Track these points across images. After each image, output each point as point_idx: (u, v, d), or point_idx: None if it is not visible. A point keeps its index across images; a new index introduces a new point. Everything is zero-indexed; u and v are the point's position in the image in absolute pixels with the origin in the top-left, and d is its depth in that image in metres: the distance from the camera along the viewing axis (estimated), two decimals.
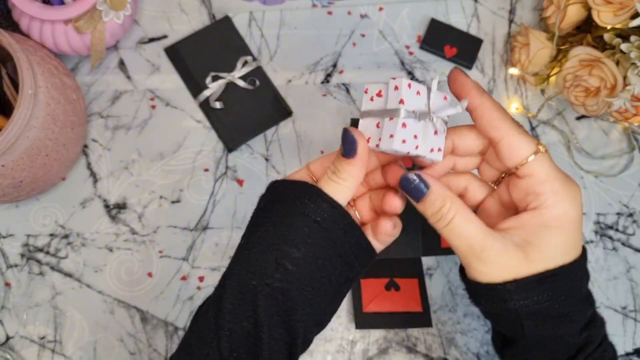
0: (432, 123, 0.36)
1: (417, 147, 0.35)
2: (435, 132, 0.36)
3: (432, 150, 0.36)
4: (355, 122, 0.60)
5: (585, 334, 0.38)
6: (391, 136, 0.35)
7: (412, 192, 0.36)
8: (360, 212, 0.41)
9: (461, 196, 0.40)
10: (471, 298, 0.39)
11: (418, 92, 0.36)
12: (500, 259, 0.35)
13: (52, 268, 0.58)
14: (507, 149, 0.36)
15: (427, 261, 0.59)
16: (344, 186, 0.37)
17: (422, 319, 0.57)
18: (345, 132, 0.37)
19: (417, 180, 0.36)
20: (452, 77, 0.37)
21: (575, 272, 0.37)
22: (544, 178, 0.35)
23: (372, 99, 0.37)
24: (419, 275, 0.58)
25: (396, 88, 0.35)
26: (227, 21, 0.63)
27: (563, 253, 0.36)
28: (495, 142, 0.36)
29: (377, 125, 0.36)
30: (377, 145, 0.36)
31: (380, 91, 0.37)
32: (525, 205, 0.37)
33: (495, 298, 0.37)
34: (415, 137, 0.35)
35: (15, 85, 0.55)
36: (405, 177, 0.36)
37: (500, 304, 0.36)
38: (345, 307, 0.57)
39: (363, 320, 0.56)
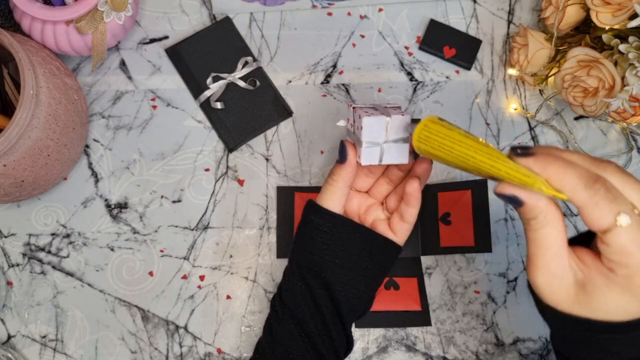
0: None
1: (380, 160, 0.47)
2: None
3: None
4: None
5: None
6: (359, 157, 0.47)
7: (510, 203, 0.36)
8: (390, 206, 0.51)
9: None
10: (529, 287, 0.40)
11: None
12: (549, 284, 0.36)
13: (54, 267, 0.58)
14: (585, 217, 0.34)
15: (426, 260, 0.59)
16: (336, 187, 0.48)
17: (421, 317, 0.57)
18: (341, 143, 0.48)
19: (514, 196, 0.36)
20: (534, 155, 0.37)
21: (625, 332, 0.35)
22: (619, 253, 0.34)
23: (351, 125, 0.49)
24: (418, 275, 0.58)
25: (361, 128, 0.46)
26: (227, 22, 0.63)
27: (612, 312, 0.35)
28: (576, 205, 0.35)
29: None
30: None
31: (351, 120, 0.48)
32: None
33: (537, 302, 0.38)
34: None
35: (17, 85, 0.55)
36: (501, 194, 0.36)
37: (540, 311, 0.39)
38: None
39: (362, 319, 0.57)
